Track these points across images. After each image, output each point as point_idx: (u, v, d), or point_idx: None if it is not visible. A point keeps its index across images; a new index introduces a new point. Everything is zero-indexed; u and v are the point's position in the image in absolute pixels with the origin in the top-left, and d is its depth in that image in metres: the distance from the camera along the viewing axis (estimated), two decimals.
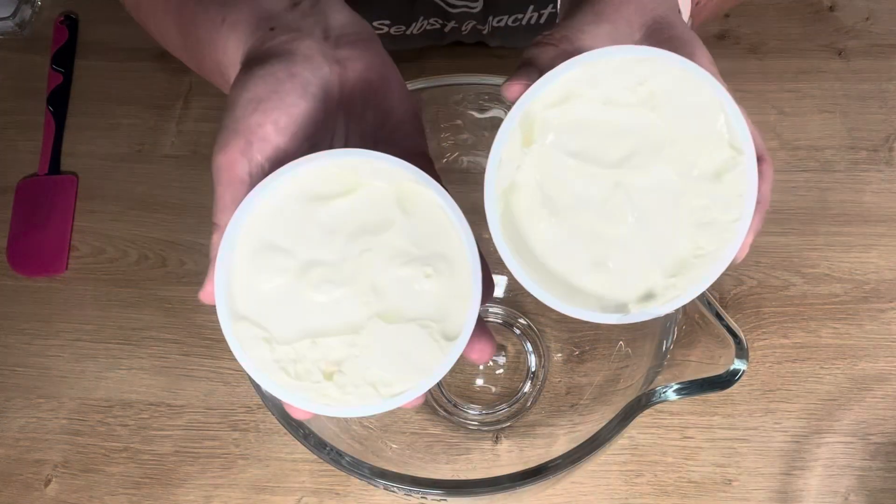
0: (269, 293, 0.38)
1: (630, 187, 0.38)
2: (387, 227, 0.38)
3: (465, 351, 0.39)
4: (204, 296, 0.38)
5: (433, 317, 0.38)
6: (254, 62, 0.40)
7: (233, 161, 0.38)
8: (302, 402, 0.38)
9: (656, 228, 0.38)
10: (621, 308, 0.39)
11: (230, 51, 0.42)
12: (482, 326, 0.40)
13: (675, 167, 0.38)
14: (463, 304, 0.37)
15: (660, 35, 0.40)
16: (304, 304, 0.38)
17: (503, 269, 0.70)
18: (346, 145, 0.40)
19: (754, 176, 0.38)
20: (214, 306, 0.38)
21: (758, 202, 0.38)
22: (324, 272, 0.38)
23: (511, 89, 0.38)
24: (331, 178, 0.38)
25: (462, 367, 0.66)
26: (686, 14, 0.47)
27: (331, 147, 0.39)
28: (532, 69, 0.38)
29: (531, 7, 0.71)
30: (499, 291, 0.67)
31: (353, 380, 0.38)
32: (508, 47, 0.77)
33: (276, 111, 0.38)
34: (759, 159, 0.40)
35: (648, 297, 0.39)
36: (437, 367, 0.38)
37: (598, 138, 0.38)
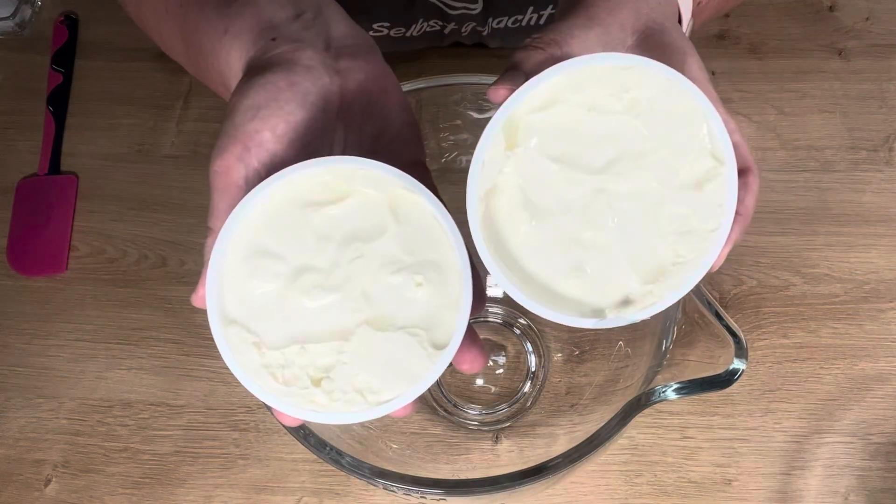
0: (260, 298, 0.38)
1: (611, 193, 0.38)
2: (379, 234, 0.38)
3: (456, 361, 0.39)
4: (196, 300, 0.38)
5: (423, 325, 0.38)
6: (255, 71, 0.40)
7: (229, 166, 0.38)
8: (289, 407, 0.38)
9: (636, 235, 0.39)
10: (598, 313, 0.39)
11: (232, 60, 0.42)
12: (473, 336, 0.40)
13: (656, 175, 0.38)
14: (453, 313, 0.37)
15: (653, 41, 0.41)
16: (295, 309, 0.38)
17: None
18: (343, 154, 0.40)
19: (734, 186, 0.38)
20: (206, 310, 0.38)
21: (739, 213, 0.39)
22: (315, 278, 0.38)
23: (497, 93, 0.38)
24: (324, 184, 0.38)
25: None
26: (687, 16, 0.47)
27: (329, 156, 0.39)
28: (518, 73, 0.39)
29: (531, 8, 0.71)
30: (498, 292, 0.67)
31: (341, 386, 0.38)
32: (508, 48, 0.77)
33: (275, 118, 0.38)
34: (746, 171, 0.40)
35: (625, 303, 0.39)
36: (425, 375, 0.37)
37: (581, 144, 0.38)
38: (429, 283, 0.38)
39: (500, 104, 0.38)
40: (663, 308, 0.39)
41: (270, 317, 0.38)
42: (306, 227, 0.38)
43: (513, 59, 0.40)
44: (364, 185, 0.38)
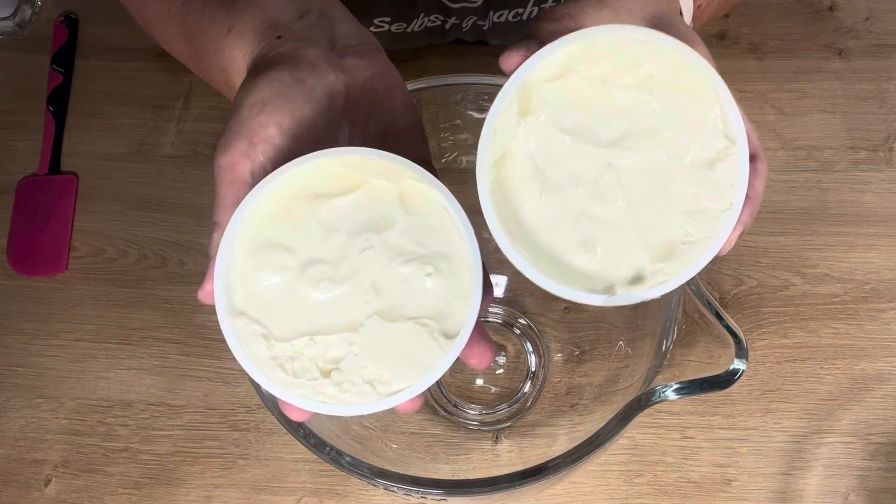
0: (268, 290, 0.38)
1: (622, 169, 0.38)
2: (388, 225, 0.38)
3: (464, 356, 0.39)
4: (203, 295, 0.38)
5: (433, 315, 0.38)
6: (260, 68, 0.40)
7: (235, 161, 0.38)
8: (298, 399, 0.37)
9: (646, 212, 0.38)
10: (608, 290, 0.38)
11: (236, 58, 0.42)
12: (482, 332, 0.39)
13: (668, 152, 0.38)
14: (463, 303, 0.37)
15: (659, 29, 0.41)
16: (304, 301, 0.38)
17: (503, 269, 0.71)
18: None
19: (745, 166, 0.37)
20: (213, 305, 0.37)
21: (749, 197, 0.38)
22: (324, 270, 0.38)
23: (509, 60, 0.38)
24: (333, 175, 0.38)
25: (462, 367, 0.66)
26: (688, 17, 0.47)
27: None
28: (532, 42, 0.38)
29: (531, 1, 0.71)
30: (499, 291, 0.67)
31: (351, 378, 0.37)
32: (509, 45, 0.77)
33: (281, 114, 0.38)
34: (754, 157, 0.39)
35: (635, 280, 0.38)
36: (436, 365, 0.37)
37: (593, 117, 0.38)
38: (439, 273, 0.38)
39: (511, 72, 0.37)
40: (674, 287, 0.38)
41: (279, 309, 0.38)
42: (314, 219, 0.38)
43: (526, 29, 0.40)
44: (373, 175, 0.38)
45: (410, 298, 0.38)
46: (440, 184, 0.37)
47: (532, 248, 0.38)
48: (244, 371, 0.38)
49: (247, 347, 0.37)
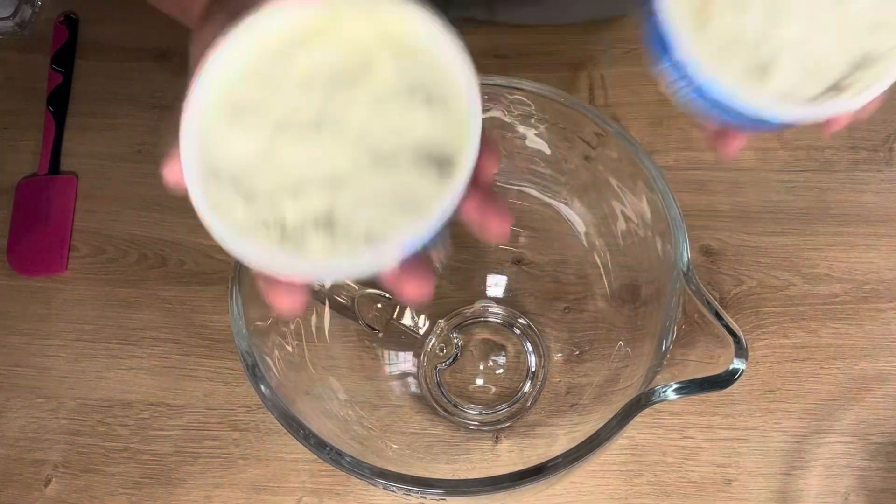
0: (243, 152, 0.34)
1: None
2: (369, 68, 0.34)
3: (481, 225, 0.34)
4: (168, 172, 0.34)
5: (429, 154, 0.33)
6: None
7: (213, 34, 0.35)
8: (284, 265, 0.33)
9: (828, 28, 0.38)
10: (806, 101, 0.38)
11: None
12: (495, 199, 0.35)
13: None
14: (461, 135, 0.33)
15: None
16: (283, 158, 0.34)
17: (503, 269, 0.70)
18: None
19: None
20: (185, 191, 0.34)
21: None
22: (303, 122, 0.34)
23: None
24: (303, 22, 0.34)
25: (462, 366, 0.66)
26: None
27: None
28: None
29: None
30: (499, 291, 0.67)
31: (342, 232, 0.33)
32: (514, 24, 0.76)
33: None
34: None
35: (832, 90, 0.38)
36: (437, 206, 0.32)
37: None
38: (430, 107, 0.34)
39: None
40: (876, 94, 0.38)
41: (256, 170, 0.34)
42: (288, 72, 0.34)
43: None
44: (348, 16, 0.34)
45: (401, 139, 0.33)
46: (422, 8, 0.34)
47: (717, 66, 0.38)
48: (219, 242, 0.33)
49: (223, 216, 0.33)
